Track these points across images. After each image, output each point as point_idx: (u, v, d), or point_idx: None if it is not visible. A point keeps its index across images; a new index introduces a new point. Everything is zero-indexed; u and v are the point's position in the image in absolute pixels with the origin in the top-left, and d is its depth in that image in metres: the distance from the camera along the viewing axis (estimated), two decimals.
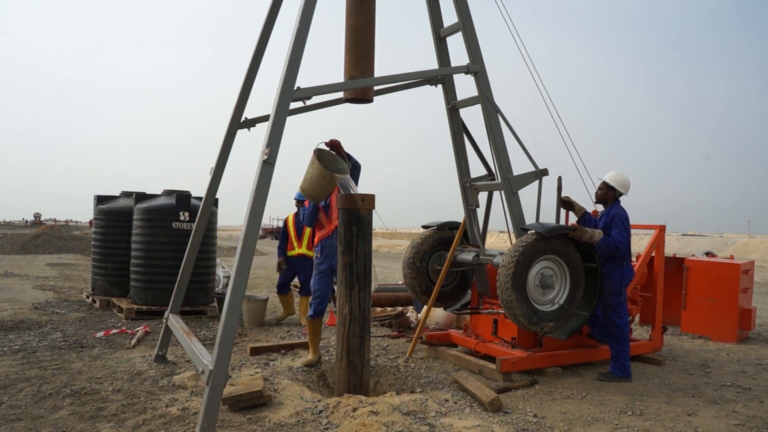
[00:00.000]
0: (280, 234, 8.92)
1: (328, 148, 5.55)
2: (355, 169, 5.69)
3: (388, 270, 19.35)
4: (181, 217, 8.81)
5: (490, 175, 6.27)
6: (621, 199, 5.93)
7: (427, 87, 6.07)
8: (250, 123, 5.69)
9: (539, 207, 5.81)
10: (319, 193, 5.33)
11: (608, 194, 5.88)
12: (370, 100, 5.39)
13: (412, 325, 7.95)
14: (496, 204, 6.21)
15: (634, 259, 6.49)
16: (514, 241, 5.58)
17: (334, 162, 5.43)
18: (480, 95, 5.75)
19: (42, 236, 26.46)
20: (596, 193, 5.97)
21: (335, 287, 7.05)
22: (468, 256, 6.26)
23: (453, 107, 6.24)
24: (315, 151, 5.25)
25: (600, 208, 6.11)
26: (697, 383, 5.65)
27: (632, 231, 6.06)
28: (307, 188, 5.27)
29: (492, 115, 5.74)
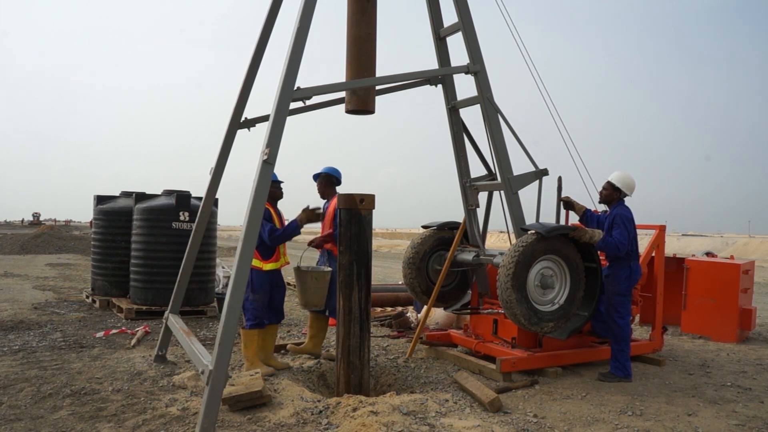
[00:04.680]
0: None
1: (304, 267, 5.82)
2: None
3: (388, 270, 19.35)
4: (181, 217, 8.81)
5: (490, 175, 6.26)
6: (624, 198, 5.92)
7: (427, 87, 6.06)
8: (250, 123, 5.69)
9: (539, 207, 5.81)
10: (320, 299, 5.76)
11: (613, 195, 5.85)
12: (372, 111, 5.35)
13: (412, 325, 7.94)
14: (496, 204, 6.22)
15: None
16: (514, 241, 5.58)
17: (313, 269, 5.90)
18: (480, 95, 5.74)
19: (42, 236, 26.45)
20: (601, 192, 5.95)
21: None
22: (468, 256, 6.26)
23: (453, 107, 6.24)
24: (296, 269, 5.76)
25: (602, 207, 6.10)
26: (697, 383, 5.65)
27: None
28: (309, 300, 5.70)
29: (492, 115, 5.74)
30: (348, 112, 5.32)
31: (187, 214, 8.83)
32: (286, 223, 5.96)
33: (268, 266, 5.73)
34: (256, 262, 5.63)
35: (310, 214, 5.73)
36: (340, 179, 6.47)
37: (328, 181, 6.40)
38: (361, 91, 5.18)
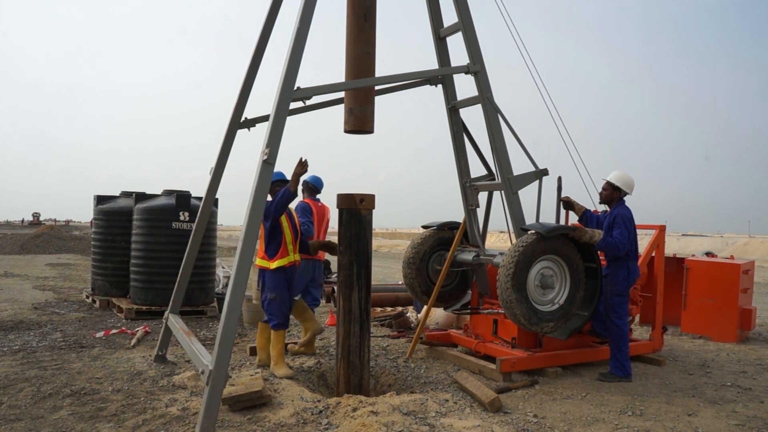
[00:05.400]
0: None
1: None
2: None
3: (388, 270, 19.35)
4: (181, 217, 8.81)
5: (490, 175, 6.26)
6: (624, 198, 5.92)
7: (428, 87, 6.07)
8: (250, 123, 5.69)
9: (539, 207, 5.81)
10: (253, 316, 6.62)
11: (613, 194, 5.85)
12: (370, 131, 5.36)
13: (412, 325, 7.94)
14: (496, 204, 6.22)
15: None
16: (514, 241, 5.58)
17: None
18: (480, 95, 5.74)
19: (42, 236, 26.47)
20: (601, 193, 5.95)
21: (335, 287, 7.09)
22: (468, 256, 6.26)
23: (453, 107, 6.24)
24: None
25: (602, 207, 6.10)
26: (697, 383, 5.65)
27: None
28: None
29: (492, 115, 5.74)
30: (347, 132, 5.34)
31: (187, 214, 8.84)
32: (298, 221, 6.09)
33: (275, 264, 5.70)
34: (263, 263, 5.71)
35: (297, 169, 5.34)
36: (319, 188, 6.99)
37: (305, 186, 6.99)
38: (358, 112, 5.20)
